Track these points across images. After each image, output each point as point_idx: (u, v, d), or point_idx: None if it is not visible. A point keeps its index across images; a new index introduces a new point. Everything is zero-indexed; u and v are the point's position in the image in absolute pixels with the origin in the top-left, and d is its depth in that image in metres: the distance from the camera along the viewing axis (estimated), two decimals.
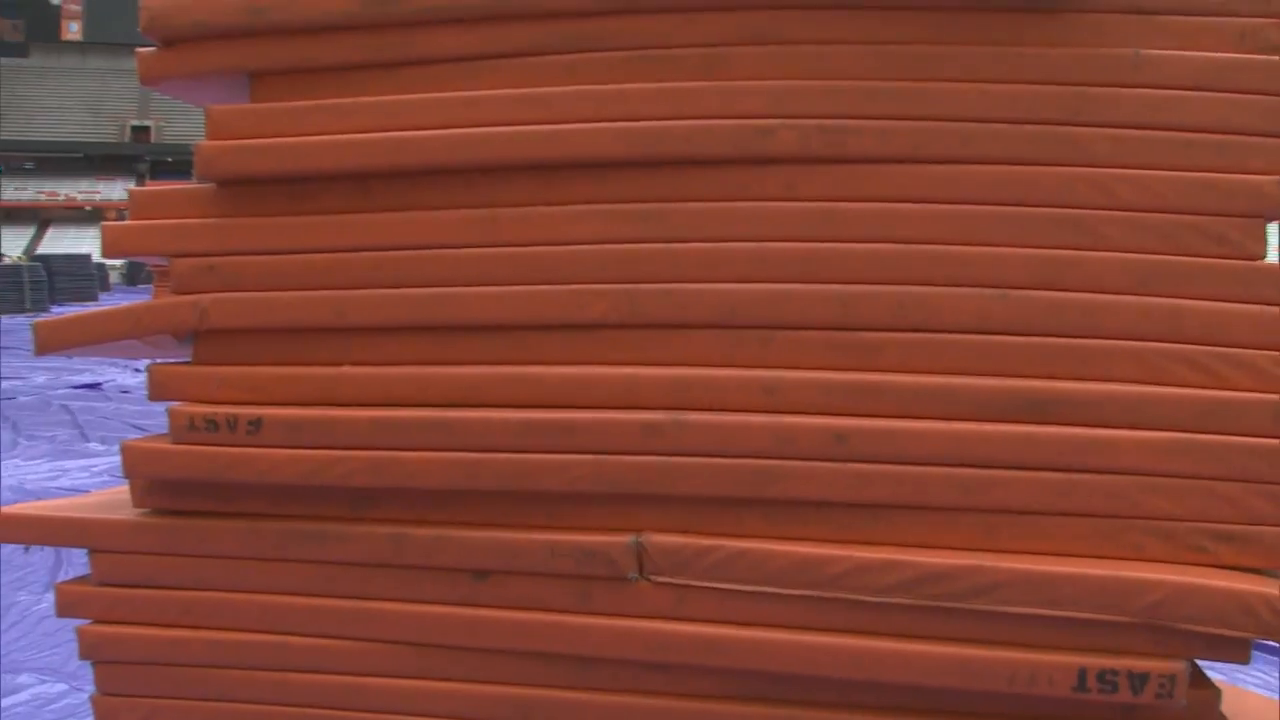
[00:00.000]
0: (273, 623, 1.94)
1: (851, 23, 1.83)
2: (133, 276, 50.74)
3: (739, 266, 1.80)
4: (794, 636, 1.72)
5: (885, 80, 1.81)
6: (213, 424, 1.87)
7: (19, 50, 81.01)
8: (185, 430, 1.89)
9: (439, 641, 1.87)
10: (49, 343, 2.04)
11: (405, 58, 1.92)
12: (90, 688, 3.69)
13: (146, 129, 76.49)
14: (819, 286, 1.78)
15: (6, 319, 26.68)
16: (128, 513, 2.01)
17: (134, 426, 9.09)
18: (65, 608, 2.07)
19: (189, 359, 1.98)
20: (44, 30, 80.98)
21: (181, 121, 74.91)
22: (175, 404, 1.93)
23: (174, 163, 74.04)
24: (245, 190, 1.94)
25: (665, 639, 1.76)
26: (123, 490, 2.16)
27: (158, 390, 1.96)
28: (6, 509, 2.14)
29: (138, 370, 13.37)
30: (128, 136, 76.61)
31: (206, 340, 1.96)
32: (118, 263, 54.40)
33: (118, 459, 6.15)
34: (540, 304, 1.83)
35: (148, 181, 73.16)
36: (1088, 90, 1.78)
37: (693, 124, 1.82)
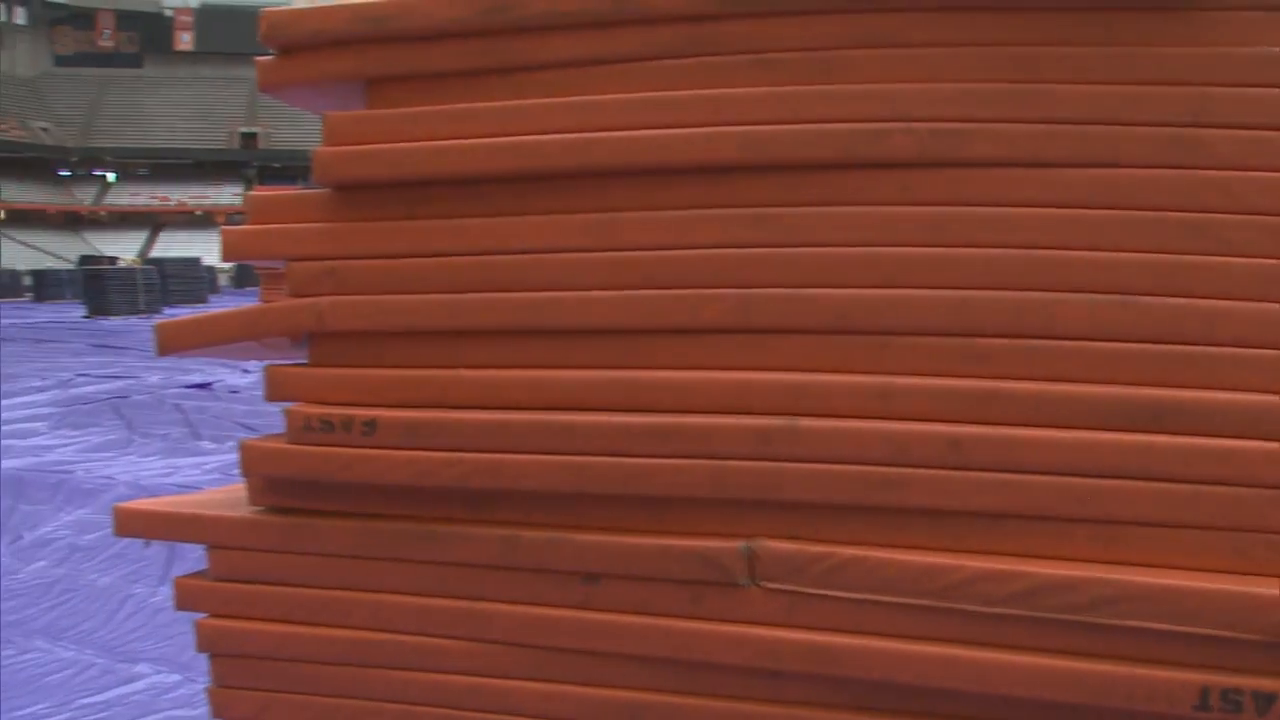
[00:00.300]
0: (385, 621, 1.97)
1: (967, 24, 1.80)
2: (241, 279, 51.97)
3: (853, 271, 1.78)
4: (906, 646, 1.69)
5: (1002, 82, 1.77)
6: (329, 425, 1.90)
7: (134, 61, 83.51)
8: (302, 430, 1.92)
9: (549, 643, 1.87)
10: (170, 344, 2.09)
11: (520, 63, 1.93)
12: (204, 679, 3.78)
13: (254, 135, 78.28)
14: (934, 292, 1.76)
15: (121, 320, 27.53)
16: (244, 510, 2.05)
17: (243, 425, 9.31)
18: (184, 601, 2.13)
19: (305, 360, 2.02)
20: (157, 41, 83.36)
21: (288, 128, 76.54)
22: (292, 404, 1.96)
23: (281, 168, 75.72)
24: (361, 195, 1.97)
25: (776, 646, 1.75)
26: (239, 488, 2.21)
27: (275, 391, 2.00)
28: (128, 505, 2.20)
29: (246, 371, 13.68)
30: (236, 143, 78.43)
31: (323, 342, 1.99)
32: (227, 266, 55.72)
33: (228, 457, 6.38)
34: (653, 308, 1.83)
35: (255, 186, 74.81)
36: (1211, 90, 1.73)
37: (807, 128, 1.80)
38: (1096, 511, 1.67)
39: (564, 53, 1.91)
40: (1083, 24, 1.76)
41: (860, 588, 1.71)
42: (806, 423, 1.74)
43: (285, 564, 2.01)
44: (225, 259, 2.06)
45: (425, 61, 1.97)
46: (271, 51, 2.04)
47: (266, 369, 1.99)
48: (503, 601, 1.90)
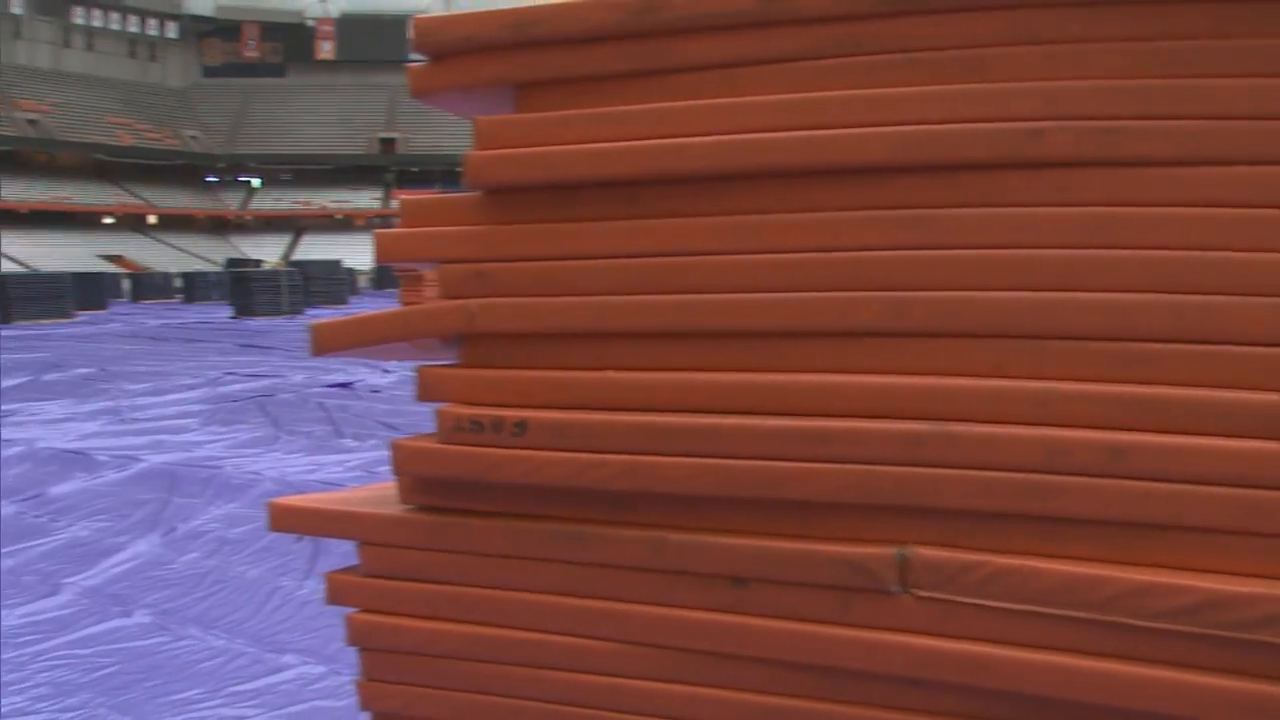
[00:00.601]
0: (532, 620, 1.98)
1: (1124, 17, 1.73)
2: (380, 281, 53.19)
3: (1009, 274, 1.74)
4: (1061, 660, 1.64)
5: (1163, 78, 1.70)
6: (479, 425, 1.93)
7: (277, 70, 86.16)
8: (452, 431, 1.95)
9: (695, 646, 1.86)
10: (324, 344, 2.14)
11: (668, 65, 1.93)
12: (348, 671, 3.86)
13: (392, 140, 79.99)
14: (1094, 295, 1.70)
15: (265, 321, 28.41)
16: (395, 508, 2.09)
17: (384, 424, 9.56)
18: (335, 596, 2.17)
19: (455, 361, 2.05)
20: (300, 51, 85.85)
21: (425, 133, 78.04)
22: (443, 405, 1.99)
23: (418, 172, 77.33)
24: (512, 198, 1.99)
25: (926, 655, 1.72)
26: (388, 486, 2.25)
27: (426, 391, 2.03)
28: (281, 501, 2.26)
29: (387, 371, 14.02)
30: (375, 148, 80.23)
31: (473, 344, 2.02)
32: (366, 268, 57.10)
33: (369, 455, 6.51)
34: (803, 311, 1.81)
35: (394, 190, 76.54)
36: None
37: (960, 128, 1.76)
38: (1266, 524, 1.60)
39: (712, 54, 1.91)
40: (1244, 15, 1.69)
41: (1015, 598, 1.67)
42: (960, 428, 1.70)
43: (434, 561, 2.04)
44: (378, 261, 2.10)
45: (574, 65, 1.98)
46: (421, 58, 2.07)
47: (418, 370, 2.03)
48: (648, 603, 1.89)
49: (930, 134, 1.77)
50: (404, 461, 2.03)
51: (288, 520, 2.24)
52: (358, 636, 2.15)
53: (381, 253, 2.10)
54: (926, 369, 1.77)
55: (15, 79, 74.71)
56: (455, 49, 2.02)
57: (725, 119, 1.86)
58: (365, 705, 2.19)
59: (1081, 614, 1.63)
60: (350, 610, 2.16)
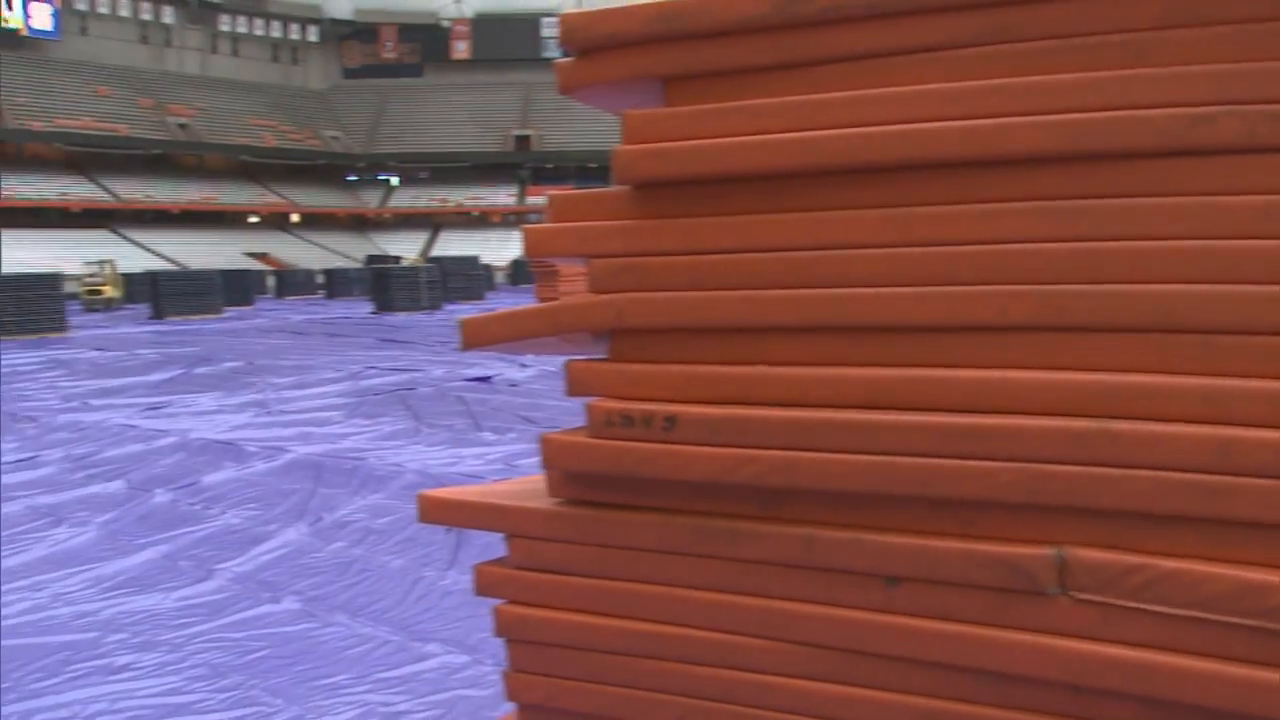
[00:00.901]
0: (680, 615, 1.98)
1: None
2: (516, 277, 53.92)
3: (1175, 266, 1.67)
4: (1229, 669, 1.57)
5: None
6: (629, 420, 1.93)
7: (414, 71, 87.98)
8: (602, 425, 1.96)
9: (847, 645, 1.84)
10: (474, 339, 2.16)
11: (816, 57, 1.90)
12: (490, 662, 3.93)
13: (527, 138, 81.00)
14: (1268, 288, 1.63)
15: (405, 316, 29.03)
16: (544, 501, 2.10)
17: (523, 418, 9.69)
18: (484, 587, 2.20)
19: (604, 356, 2.05)
20: (436, 51, 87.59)
21: (558, 130, 78.83)
22: (592, 400, 2.00)
23: (552, 169, 78.13)
24: (660, 192, 1.98)
25: (1086, 660, 1.66)
26: (535, 479, 2.27)
27: (575, 386, 2.04)
28: (431, 493, 2.29)
29: (524, 366, 14.20)
30: (510, 146, 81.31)
31: (622, 338, 2.02)
32: (502, 264, 57.93)
33: (509, 448, 6.62)
34: (957, 305, 1.77)
35: (529, 187, 77.50)
36: None
37: (1123, 115, 1.70)
38: None
39: (862, 44, 1.87)
40: None
41: (1180, 603, 1.60)
42: (1124, 425, 1.64)
43: (583, 555, 2.06)
44: (527, 255, 2.12)
45: (722, 58, 1.96)
46: (568, 54, 2.08)
47: (567, 365, 2.04)
48: (799, 601, 1.87)
49: (1090, 122, 1.71)
50: (554, 456, 2.04)
51: (437, 512, 2.27)
52: (505, 628, 2.17)
53: (530, 247, 2.11)
54: (1087, 365, 1.71)
55: (167, 85, 77.78)
56: (601, 44, 2.03)
57: (876, 110, 1.83)
58: (511, 696, 2.21)
59: (1252, 622, 1.56)
60: (498, 602, 2.18)
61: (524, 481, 2.39)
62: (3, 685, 4.11)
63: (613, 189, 2.03)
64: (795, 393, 1.86)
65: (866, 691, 1.85)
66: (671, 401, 1.93)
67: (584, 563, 2.06)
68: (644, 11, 1.97)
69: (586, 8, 2.04)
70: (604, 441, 1.96)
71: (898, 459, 1.75)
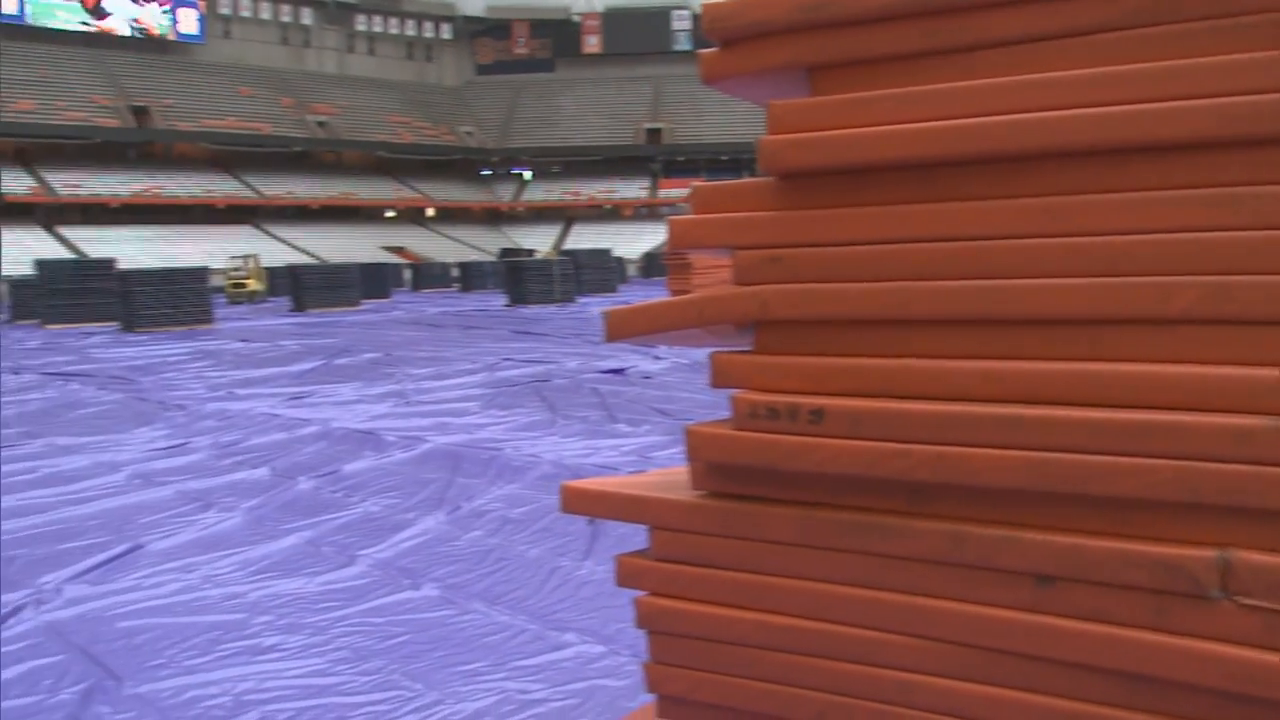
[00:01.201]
0: (823, 611, 1.96)
1: None
2: (648, 270, 54.12)
3: None
4: None
5: None
6: (774, 412, 1.92)
7: (546, 66, 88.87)
8: (747, 417, 1.94)
9: (995, 645, 1.79)
10: (618, 330, 2.17)
11: (966, 43, 1.85)
12: (627, 653, 3.94)
13: (658, 131, 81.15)
14: None
15: (538, 308, 29.37)
16: (686, 493, 2.10)
17: (657, 410, 9.70)
18: (625, 579, 2.21)
19: (749, 347, 2.04)
20: (567, 46, 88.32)
21: (689, 123, 78.85)
22: (737, 391, 1.99)
23: (684, 161, 78.19)
24: (806, 183, 1.96)
25: (1249, 668, 1.59)
26: (675, 471, 2.27)
27: (720, 377, 2.03)
28: (574, 484, 2.30)
29: (658, 358, 14.24)
30: (641, 139, 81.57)
31: (767, 330, 2.00)
32: (634, 257, 58.20)
33: (644, 440, 6.64)
34: (1116, 297, 1.71)
35: (660, 180, 77.74)
36: None
37: None
38: None
39: (1014, 29, 1.82)
40: None
41: None
42: None
43: (726, 548, 2.05)
44: (673, 246, 2.11)
45: (869, 45, 1.93)
46: (709, 44, 2.07)
47: (712, 356, 2.03)
48: (946, 598, 1.84)
49: (1254, 105, 1.64)
50: (698, 447, 2.03)
51: (579, 503, 2.28)
52: (646, 619, 2.17)
53: (675, 239, 2.11)
54: (1255, 359, 1.64)
55: (306, 85, 79.93)
56: (746, 33, 2.01)
57: (1030, 96, 1.78)
58: (651, 687, 2.22)
59: None
60: (636, 593, 2.19)
61: (664, 474, 2.40)
62: (158, 662, 4.27)
63: (757, 180, 2.01)
64: (945, 386, 1.82)
65: (1012, 693, 1.80)
66: (817, 394, 1.91)
67: (726, 556, 2.05)
68: (787, 0, 1.95)
69: None
70: (749, 434, 1.94)
71: (1052, 455, 1.70)
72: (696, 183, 2.11)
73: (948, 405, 1.80)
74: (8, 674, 4.21)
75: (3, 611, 4.89)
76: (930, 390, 1.83)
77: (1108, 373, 1.71)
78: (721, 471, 2.04)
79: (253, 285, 42.71)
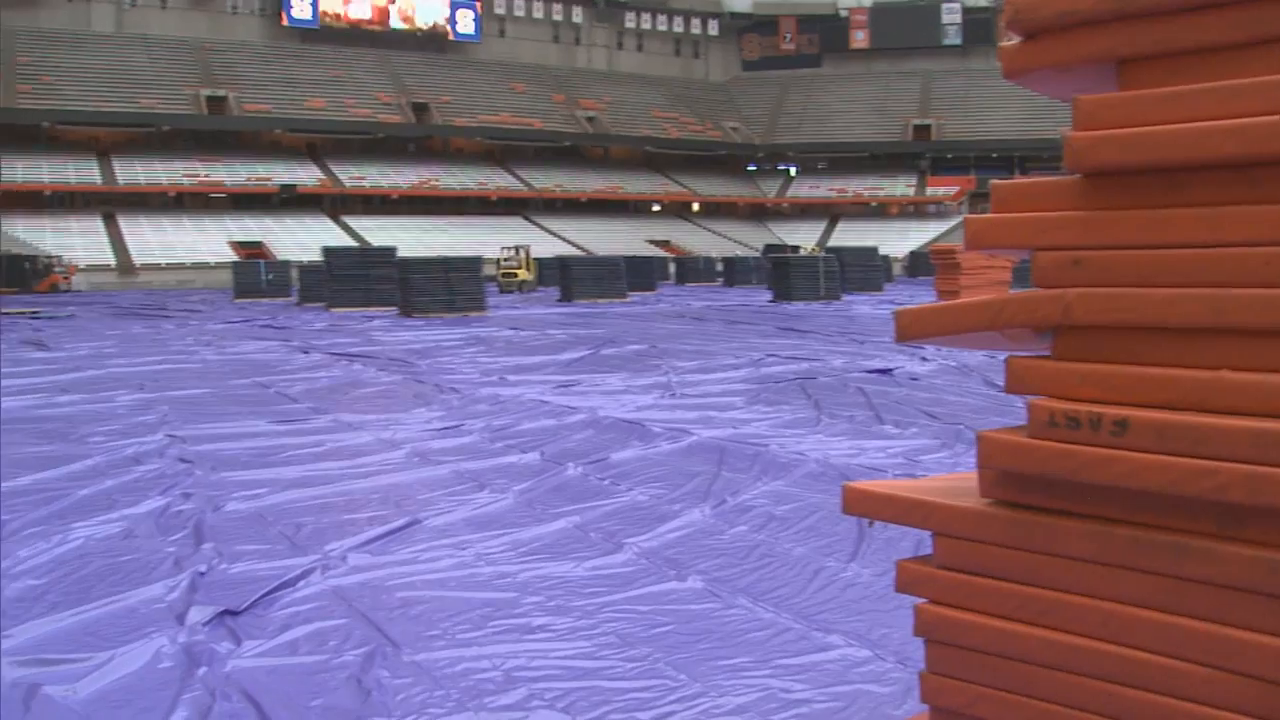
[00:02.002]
0: (1115, 633, 1.86)
1: None
2: (913, 268, 53.14)
3: None
4: None
5: None
6: (1074, 421, 1.83)
7: (813, 61, 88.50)
8: (1045, 426, 1.87)
9: None
10: (909, 331, 2.12)
11: None
12: (892, 659, 3.87)
13: (927, 127, 79.55)
14: None
15: (803, 305, 29.29)
16: (973, 501, 2.04)
17: (925, 413, 9.52)
18: (905, 584, 2.16)
19: (1048, 353, 1.96)
20: (834, 41, 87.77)
21: (958, 120, 76.92)
22: (1035, 399, 1.91)
23: (952, 159, 76.35)
24: (1113, 182, 1.87)
25: None
26: (960, 477, 2.21)
27: (1016, 383, 1.96)
28: (857, 484, 2.26)
29: (925, 360, 13.94)
30: (909, 135, 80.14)
31: (1068, 335, 1.92)
32: (899, 255, 57.23)
33: (911, 443, 6.54)
34: None
35: (929, 178, 76.23)
36: None
37: None
38: None
39: None
40: None
41: None
42: None
43: (1013, 559, 1.98)
44: (968, 247, 2.06)
45: (1183, 37, 1.83)
46: (1012, 37, 2.00)
47: (1009, 361, 1.96)
48: (1258, 631, 1.71)
49: None
50: (990, 454, 1.97)
51: (862, 504, 2.24)
52: (926, 628, 2.12)
53: (972, 238, 2.04)
54: None
55: (576, 81, 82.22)
56: (1051, 25, 1.94)
57: None
58: (926, 698, 2.16)
59: None
60: (907, 600, 2.14)
61: (948, 479, 2.33)
62: (434, 632, 4.46)
63: (1059, 178, 1.93)
64: (1263, 402, 1.70)
65: None
66: (1122, 405, 1.81)
67: (1013, 567, 1.98)
68: None
69: None
70: (1046, 443, 1.87)
71: None
72: (995, 181, 2.04)
73: (1265, 422, 1.67)
74: (298, 632, 4.50)
75: (296, 574, 5.22)
76: (1245, 405, 1.71)
77: None
78: (1013, 480, 1.97)
79: (523, 275, 44.20)
